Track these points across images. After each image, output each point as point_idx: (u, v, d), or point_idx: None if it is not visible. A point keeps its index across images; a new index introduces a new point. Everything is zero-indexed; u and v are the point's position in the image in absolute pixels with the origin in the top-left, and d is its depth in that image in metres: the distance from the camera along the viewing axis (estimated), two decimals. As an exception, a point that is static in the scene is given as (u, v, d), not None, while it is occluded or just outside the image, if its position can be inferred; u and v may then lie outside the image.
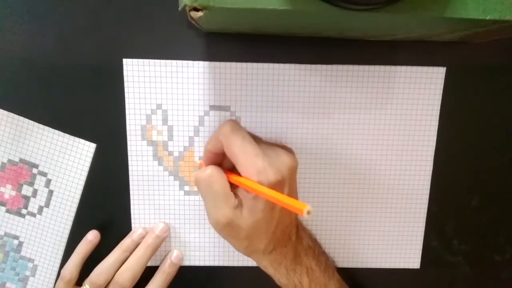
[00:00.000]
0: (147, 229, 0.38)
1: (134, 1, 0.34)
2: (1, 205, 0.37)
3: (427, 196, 0.39)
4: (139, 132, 0.36)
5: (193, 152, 0.37)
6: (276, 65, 0.35)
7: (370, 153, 0.37)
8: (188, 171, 0.37)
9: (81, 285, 0.36)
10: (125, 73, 0.35)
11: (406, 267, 0.40)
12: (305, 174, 0.37)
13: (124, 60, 0.35)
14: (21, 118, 0.36)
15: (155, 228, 0.37)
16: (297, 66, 0.35)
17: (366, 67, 0.35)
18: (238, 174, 0.30)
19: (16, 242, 0.38)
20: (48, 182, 0.37)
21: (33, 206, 0.38)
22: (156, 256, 0.38)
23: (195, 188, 0.37)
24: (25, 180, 0.37)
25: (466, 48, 0.35)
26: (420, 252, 0.40)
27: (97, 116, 0.36)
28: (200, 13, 0.22)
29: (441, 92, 0.36)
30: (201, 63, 0.35)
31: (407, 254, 0.40)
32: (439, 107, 0.37)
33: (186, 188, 0.38)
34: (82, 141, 0.37)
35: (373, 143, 0.37)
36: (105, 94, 0.35)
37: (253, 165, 0.28)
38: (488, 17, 0.22)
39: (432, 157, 0.38)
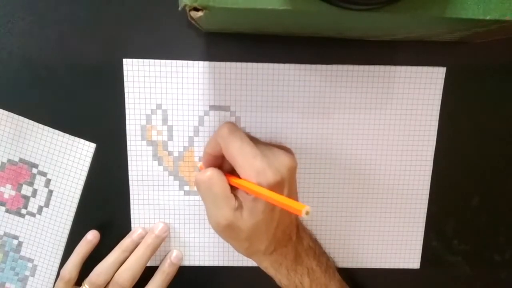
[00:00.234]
0: (147, 229, 0.38)
1: (134, 1, 0.34)
2: (1, 205, 0.37)
3: (427, 196, 0.38)
4: (139, 132, 0.36)
5: (193, 152, 0.37)
6: (276, 65, 0.35)
7: (370, 153, 0.37)
8: (188, 171, 0.37)
9: (80, 285, 0.36)
10: (125, 73, 0.35)
11: (406, 267, 0.40)
12: (305, 174, 0.37)
13: (124, 60, 0.35)
14: (21, 118, 0.36)
15: (155, 228, 0.37)
16: (297, 66, 0.35)
17: (366, 67, 0.35)
18: (238, 176, 0.30)
19: (15, 242, 0.38)
20: (47, 182, 0.37)
21: (32, 206, 0.38)
22: (155, 256, 0.38)
23: (195, 188, 0.37)
24: (25, 180, 0.37)
25: (466, 48, 0.35)
26: (420, 252, 0.40)
27: (97, 116, 0.36)
28: (200, 13, 0.22)
29: (441, 92, 0.36)
30: (201, 63, 0.35)
31: (407, 254, 0.40)
32: (439, 107, 0.37)
33: (186, 188, 0.38)
34: (82, 141, 0.37)
35: (373, 143, 0.37)
36: (105, 94, 0.35)
37: (252, 167, 0.28)
38: (488, 17, 0.22)
39: (432, 157, 0.38)
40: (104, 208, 0.38)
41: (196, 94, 0.35)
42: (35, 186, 0.37)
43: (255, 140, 0.33)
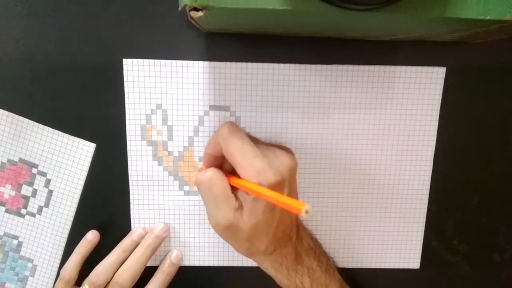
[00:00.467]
0: (147, 229, 0.38)
1: (134, 1, 0.34)
2: (1, 205, 0.37)
3: (427, 196, 0.39)
4: (138, 132, 0.36)
5: (193, 152, 0.37)
6: (276, 65, 0.35)
7: (370, 153, 0.37)
8: (187, 171, 0.37)
9: (80, 285, 0.36)
10: (125, 73, 0.35)
11: (406, 267, 0.40)
12: (305, 174, 0.37)
13: (124, 60, 0.35)
14: (21, 118, 0.36)
15: (155, 228, 0.37)
16: (297, 66, 0.35)
17: (366, 67, 0.35)
18: (238, 176, 0.30)
19: (15, 242, 0.38)
20: (47, 182, 0.37)
21: (32, 206, 0.38)
22: (155, 256, 0.38)
23: (195, 188, 0.37)
24: (25, 180, 0.37)
25: (466, 48, 0.35)
26: (420, 252, 0.40)
27: (97, 116, 0.36)
28: (200, 13, 0.22)
29: (441, 92, 0.36)
30: (201, 63, 0.35)
31: (407, 254, 0.40)
32: (439, 107, 0.37)
33: (186, 188, 0.38)
34: (81, 141, 0.37)
35: (373, 143, 0.37)
36: (105, 94, 0.35)
37: (252, 167, 0.28)
38: (488, 17, 0.22)
39: (432, 157, 0.38)
40: (104, 208, 0.38)
41: (196, 94, 0.35)
42: (35, 186, 0.37)
43: (255, 140, 0.33)
